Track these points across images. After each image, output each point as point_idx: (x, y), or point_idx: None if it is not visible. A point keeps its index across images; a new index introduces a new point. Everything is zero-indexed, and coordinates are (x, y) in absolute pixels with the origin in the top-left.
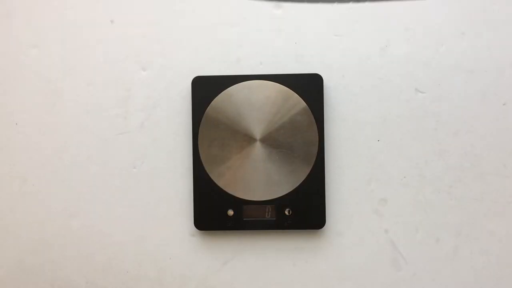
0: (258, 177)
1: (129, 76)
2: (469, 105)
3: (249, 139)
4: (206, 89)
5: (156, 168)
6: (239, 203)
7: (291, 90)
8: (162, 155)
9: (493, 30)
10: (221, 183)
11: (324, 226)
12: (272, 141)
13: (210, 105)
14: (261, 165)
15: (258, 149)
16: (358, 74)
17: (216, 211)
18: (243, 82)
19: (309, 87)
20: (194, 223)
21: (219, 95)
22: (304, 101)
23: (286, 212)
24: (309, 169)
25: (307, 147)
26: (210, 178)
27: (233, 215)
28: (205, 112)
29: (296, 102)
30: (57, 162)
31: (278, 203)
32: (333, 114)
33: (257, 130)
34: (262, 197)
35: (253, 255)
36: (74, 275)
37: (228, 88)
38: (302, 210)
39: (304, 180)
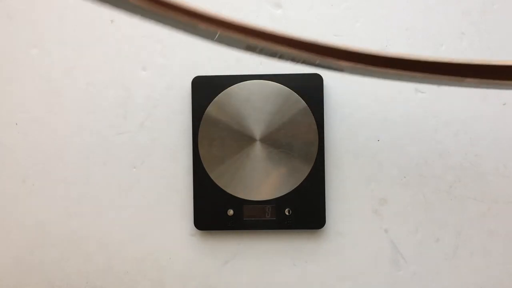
0: (258, 177)
1: (129, 76)
2: (469, 105)
3: (249, 139)
4: (206, 89)
5: (156, 168)
6: (239, 203)
7: (291, 90)
8: (162, 155)
9: (493, 30)
10: (221, 183)
11: (324, 226)
12: (272, 141)
13: (210, 105)
14: (261, 165)
15: (258, 149)
16: None
17: (216, 211)
18: (243, 82)
19: (309, 87)
20: (194, 223)
21: (219, 95)
22: (304, 101)
23: (286, 212)
24: (309, 169)
25: (307, 147)
26: (210, 178)
27: (233, 215)
28: (205, 112)
29: (296, 102)
30: (57, 162)
31: (278, 203)
32: (333, 114)
33: (257, 130)
34: (262, 197)
35: (253, 255)
36: (74, 275)
37: (228, 88)
38: (302, 210)
39: (304, 180)
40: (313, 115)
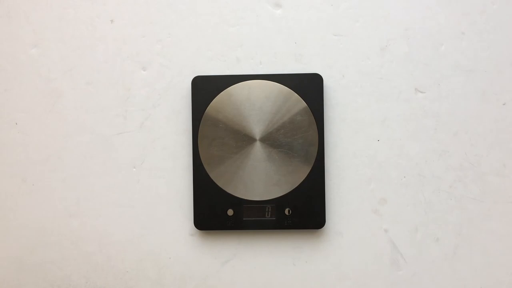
0: (258, 177)
1: (129, 76)
2: (469, 105)
3: (249, 139)
4: (206, 89)
5: (156, 168)
6: (239, 203)
7: (291, 90)
8: (162, 154)
9: (493, 30)
10: (221, 183)
11: (324, 226)
12: (272, 141)
13: (210, 105)
14: (261, 165)
15: (257, 149)
16: (358, 74)
17: (216, 211)
18: (243, 82)
19: (309, 87)
20: (194, 223)
21: (219, 95)
22: (304, 101)
23: (286, 212)
24: (309, 169)
25: (307, 147)
26: (210, 178)
27: (233, 215)
28: (205, 112)
29: (296, 102)
30: (57, 162)
31: (278, 203)
32: (333, 114)
33: (257, 130)
34: (262, 197)
35: (253, 255)
36: (74, 275)
37: (228, 88)
38: (302, 210)
39: (304, 180)
40: (313, 115)
